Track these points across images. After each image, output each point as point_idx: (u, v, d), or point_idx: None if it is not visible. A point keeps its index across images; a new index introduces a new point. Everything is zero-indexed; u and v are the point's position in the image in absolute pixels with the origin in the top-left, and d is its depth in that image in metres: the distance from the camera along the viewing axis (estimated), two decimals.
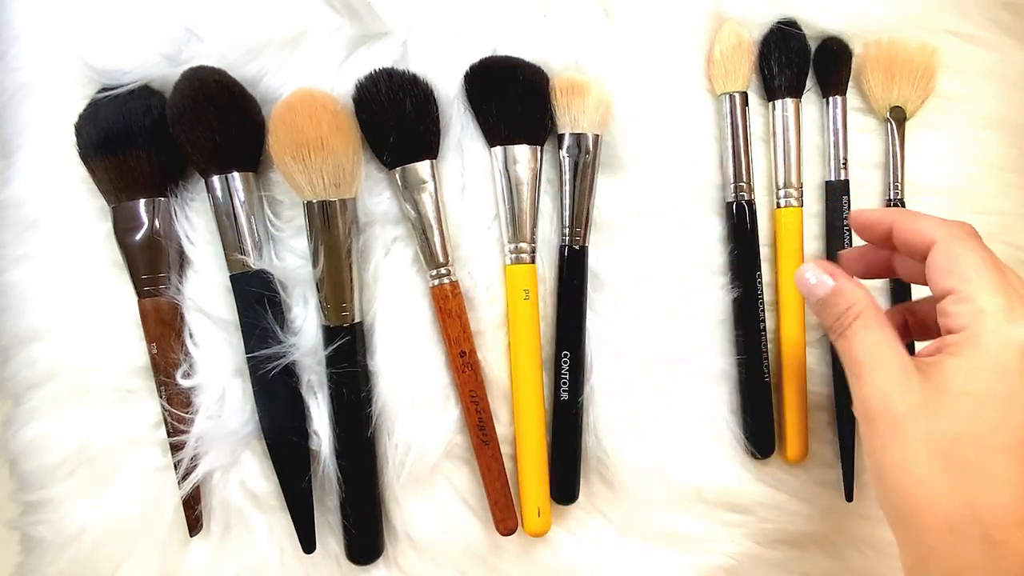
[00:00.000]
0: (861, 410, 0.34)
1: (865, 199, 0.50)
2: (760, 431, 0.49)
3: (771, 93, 0.50)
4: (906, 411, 0.32)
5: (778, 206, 0.49)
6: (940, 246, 0.35)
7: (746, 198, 0.48)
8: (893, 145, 0.50)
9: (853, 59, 0.51)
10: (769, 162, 0.50)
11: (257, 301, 0.44)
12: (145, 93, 0.45)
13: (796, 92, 0.50)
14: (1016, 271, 0.51)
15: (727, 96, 0.49)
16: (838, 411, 0.50)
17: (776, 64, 0.49)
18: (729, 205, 0.49)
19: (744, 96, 0.49)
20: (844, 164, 0.50)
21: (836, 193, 0.50)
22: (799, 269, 0.37)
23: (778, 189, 0.49)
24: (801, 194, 0.49)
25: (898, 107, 0.50)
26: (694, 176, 0.50)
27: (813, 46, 0.50)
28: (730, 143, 0.49)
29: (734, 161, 0.49)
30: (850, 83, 0.51)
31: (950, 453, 0.31)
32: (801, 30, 0.50)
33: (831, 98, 0.50)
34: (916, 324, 0.41)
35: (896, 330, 0.35)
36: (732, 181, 0.49)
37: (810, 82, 0.51)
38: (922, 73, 0.50)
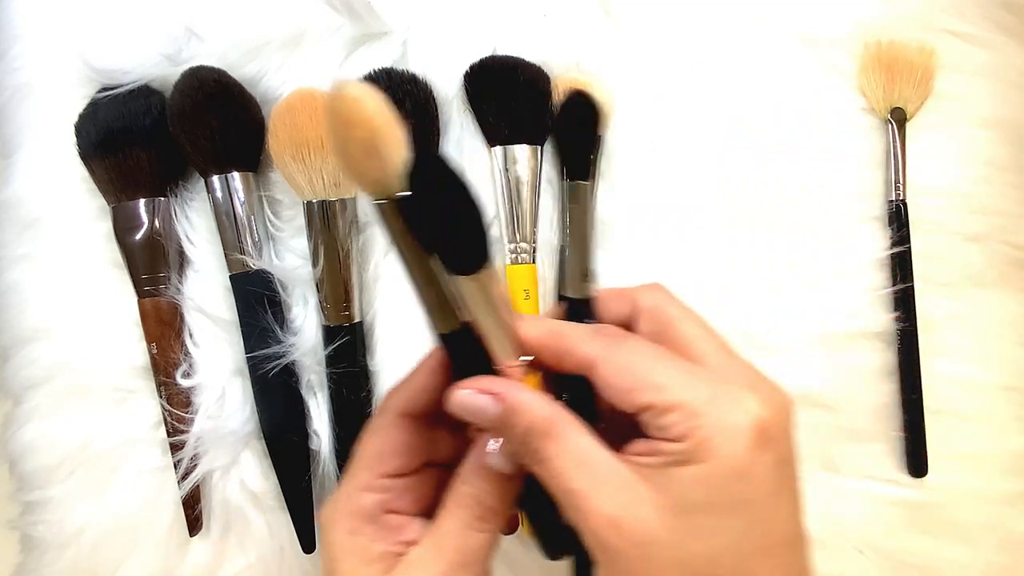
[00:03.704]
0: (594, 543, 0.28)
1: (867, 200, 0.50)
2: None
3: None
4: (648, 537, 0.27)
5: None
6: (604, 365, 0.29)
7: None
8: (894, 146, 0.50)
9: (859, 58, 0.49)
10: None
11: (257, 301, 0.44)
12: (145, 93, 0.45)
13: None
14: (1016, 272, 0.51)
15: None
16: None
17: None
18: None
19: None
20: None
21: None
22: (456, 394, 0.29)
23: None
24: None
25: (899, 108, 0.50)
26: (694, 176, 0.50)
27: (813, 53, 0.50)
28: None
29: None
30: (851, 83, 0.51)
31: (710, 571, 0.27)
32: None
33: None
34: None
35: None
36: None
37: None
38: (922, 74, 0.50)
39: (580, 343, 0.30)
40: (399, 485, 0.32)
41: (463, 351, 0.30)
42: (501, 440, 0.30)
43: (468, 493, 0.30)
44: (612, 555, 0.27)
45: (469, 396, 0.29)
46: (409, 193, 0.25)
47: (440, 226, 0.26)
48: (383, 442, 0.32)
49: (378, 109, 0.24)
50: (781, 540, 0.28)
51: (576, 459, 0.28)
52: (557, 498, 0.29)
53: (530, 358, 0.31)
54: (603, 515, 0.27)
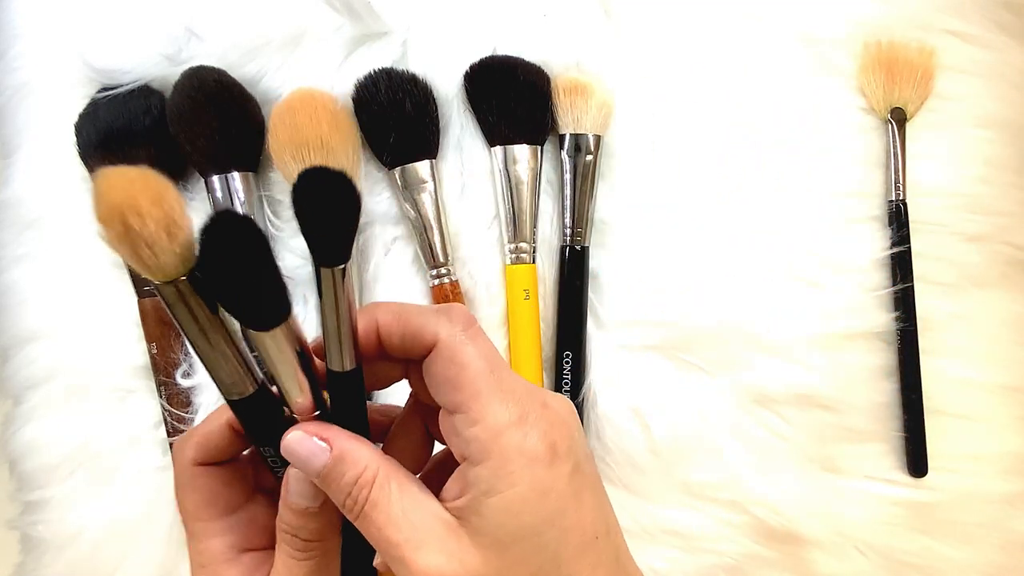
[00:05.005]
0: None
1: (867, 200, 0.50)
2: None
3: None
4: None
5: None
6: (443, 349, 0.29)
7: None
8: (894, 146, 0.50)
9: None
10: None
11: None
12: (145, 93, 0.45)
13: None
14: (1016, 272, 0.51)
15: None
16: None
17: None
18: None
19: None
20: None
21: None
22: (287, 438, 0.29)
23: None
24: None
25: (899, 108, 0.50)
26: (694, 176, 0.50)
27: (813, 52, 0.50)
28: None
29: None
30: (851, 83, 0.51)
31: None
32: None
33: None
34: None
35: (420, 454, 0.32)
36: None
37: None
38: (922, 74, 0.50)
39: (428, 323, 0.29)
40: (238, 523, 0.32)
41: (257, 414, 0.30)
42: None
43: (284, 528, 0.31)
44: None
45: (300, 440, 0.29)
46: (201, 262, 0.25)
47: (239, 284, 0.25)
48: (194, 494, 0.32)
49: (144, 190, 0.23)
50: (593, 535, 0.30)
51: (400, 510, 0.28)
52: (379, 549, 0.29)
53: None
54: (430, 568, 0.27)
